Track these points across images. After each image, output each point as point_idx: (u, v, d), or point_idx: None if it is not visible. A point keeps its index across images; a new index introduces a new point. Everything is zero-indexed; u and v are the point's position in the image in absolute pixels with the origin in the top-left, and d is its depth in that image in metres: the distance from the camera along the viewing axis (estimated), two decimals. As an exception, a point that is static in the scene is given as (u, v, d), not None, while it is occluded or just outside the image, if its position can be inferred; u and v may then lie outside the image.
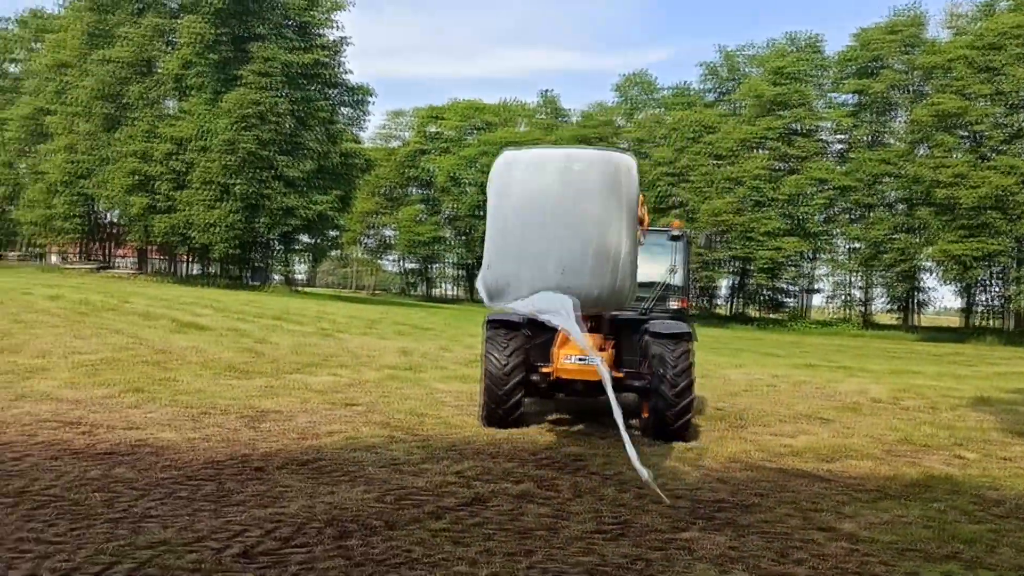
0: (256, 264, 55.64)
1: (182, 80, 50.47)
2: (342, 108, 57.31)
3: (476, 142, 79.63)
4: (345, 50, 55.80)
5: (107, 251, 63.93)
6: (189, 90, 50.51)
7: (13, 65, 67.15)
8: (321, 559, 5.14)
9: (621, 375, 9.74)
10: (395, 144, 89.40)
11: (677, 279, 10.91)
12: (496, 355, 9.63)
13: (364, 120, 60.68)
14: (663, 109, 72.77)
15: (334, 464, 7.68)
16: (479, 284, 7.56)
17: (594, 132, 72.56)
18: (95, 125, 51.34)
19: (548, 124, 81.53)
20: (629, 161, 7.45)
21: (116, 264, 61.50)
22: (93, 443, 7.95)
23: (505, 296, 7.19)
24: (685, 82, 75.78)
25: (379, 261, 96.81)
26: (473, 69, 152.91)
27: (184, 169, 49.15)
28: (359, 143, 60.74)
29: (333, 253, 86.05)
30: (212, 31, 48.91)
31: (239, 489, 6.61)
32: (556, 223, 6.80)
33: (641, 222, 8.35)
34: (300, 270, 78.25)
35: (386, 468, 7.62)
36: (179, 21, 51.06)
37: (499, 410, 9.71)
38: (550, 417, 11.04)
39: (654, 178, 61.63)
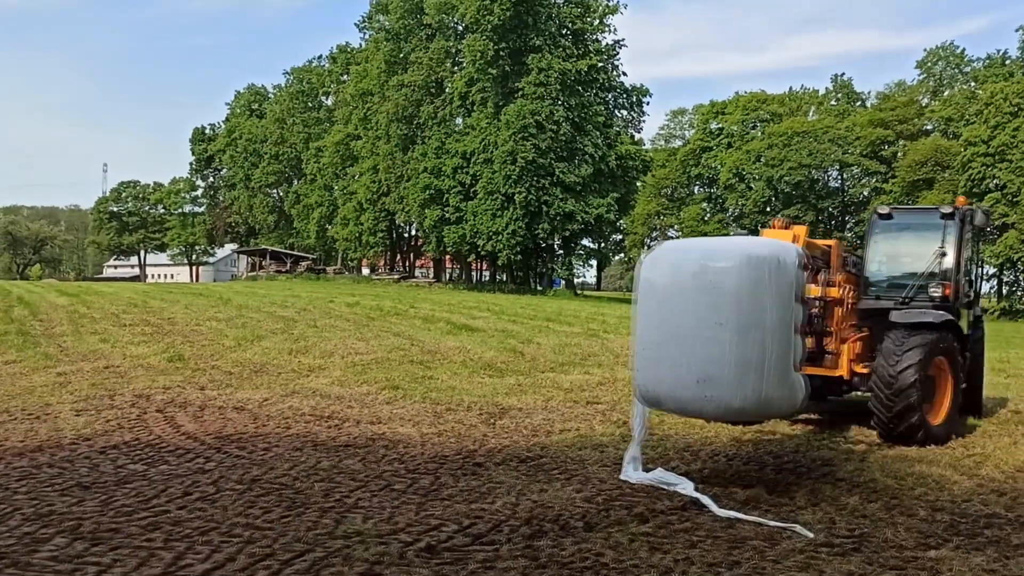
0: (540, 269, 57.41)
1: (467, 97, 53.32)
2: (618, 111, 57.61)
3: (761, 135, 76.54)
4: (619, 53, 56.11)
5: (409, 262, 69.16)
6: (473, 106, 53.25)
7: (327, 97, 74.80)
8: (504, 558, 4.95)
9: (842, 373, 8.99)
10: (676, 144, 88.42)
11: (947, 262, 9.50)
12: None
13: (641, 121, 60.54)
14: (974, 83, 65.46)
15: (555, 462, 7.50)
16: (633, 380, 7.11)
17: (893, 115, 66.93)
18: (393, 146, 55.73)
19: (840, 110, 76.45)
20: (783, 255, 6.44)
21: (417, 274, 66.36)
22: (336, 436, 8.40)
23: (651, 400, 6.79)
24: (1001, 51, 67.59)
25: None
26: (758, 61, 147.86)
27: (470, 181, 51.87)
28: (637, 144, 60.68)
29: (617, 257, 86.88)
30: (492, 47, 51.18)
31: (452, 484, 6.62)
32: (694, 329, 6.29)
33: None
34: (584, 274, 79.73)
35: (608, 468, 7.30)
36: (463, 42, 54.03)
37: None
38: (806, 418, 10.10)
39: (965, 160, 55.60)
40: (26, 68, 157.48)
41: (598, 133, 52.93)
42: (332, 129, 67.04)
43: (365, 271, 71.52)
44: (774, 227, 8.77)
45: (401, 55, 56.55)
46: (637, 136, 61.40)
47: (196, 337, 16.95)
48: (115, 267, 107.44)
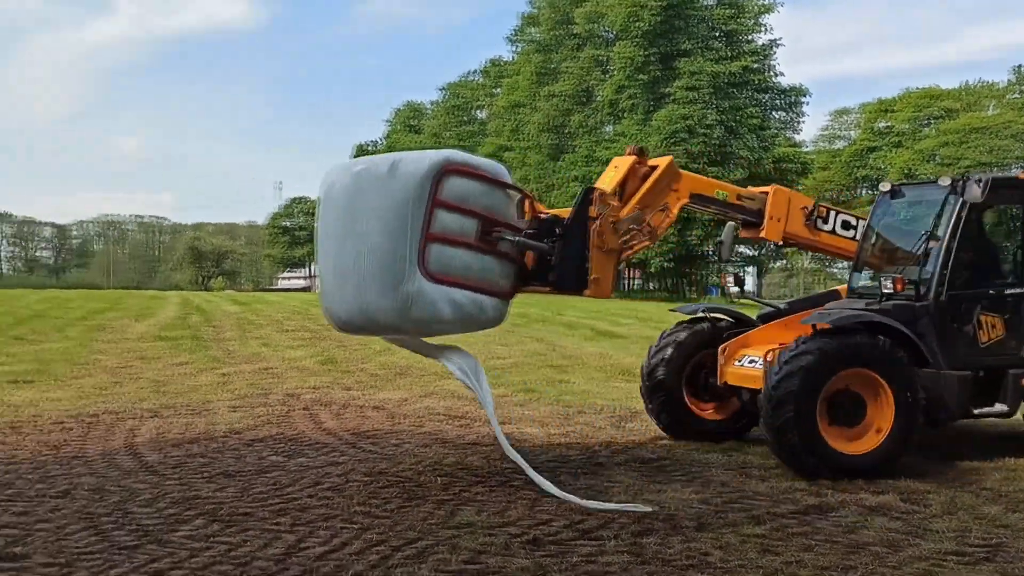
0: (694, 276, 56.41)
1: (616, 104, 53.24)
2: (774, 112, 55.91)
3: (933, 133, 72.20)
4: (775, 53, 54.51)
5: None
6: (623, 113, 53.10)
7: (479, 111, 76.55)
8: (608, 553, 4.97)
9: None
10: (840, 145, 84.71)
11: (933, 248, 7.73)
12: None
13: (799, 123, 58.51)
14: None
15: (679, 465, 7.42)
16: None
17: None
18: (543, 156, 56.35)
19: (1023, 104, 71.11)
20: (403, 163, 6.09)
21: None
22: (464, 435, 8.64)
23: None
24: None
25: (828, 269, 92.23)
26: (930, 56, 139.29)
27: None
28: (795, 146, 58.66)
29: (778, 263, 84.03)
30: (642, 53, 50.91)
31: (569, 482, 6.67)
32: (321, 244, 6.51)
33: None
34: (745, 281, 77.46)
35: (732, 471, 7.15)
36: (612, 49, 54.02)
37: None
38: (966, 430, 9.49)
39: None
40: (213, 96, 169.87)
41: (753, 136, 51.52)
42: (485, 141, 68.49)
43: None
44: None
45: (551, 66, 57.16)
46: (797, 138, 59.43)
47: (348, 341, 17.75)
48: (287, 278, 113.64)
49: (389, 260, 5.88)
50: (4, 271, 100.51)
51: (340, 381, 12.56)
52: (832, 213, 8.56)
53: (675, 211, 7.50)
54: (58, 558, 4.77)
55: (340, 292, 6.20)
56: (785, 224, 8.27)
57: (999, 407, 7.58)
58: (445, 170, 5.97)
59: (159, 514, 5.69)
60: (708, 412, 8.48)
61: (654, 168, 7.44)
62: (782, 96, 55.55)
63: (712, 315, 8.75)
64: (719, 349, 7.98)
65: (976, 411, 7.50)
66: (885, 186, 8.41)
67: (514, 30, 66.12)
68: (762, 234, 8.25)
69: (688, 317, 8.79)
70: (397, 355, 15.63)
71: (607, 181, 7.22)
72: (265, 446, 8.04)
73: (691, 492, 6.39)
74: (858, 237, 8.56)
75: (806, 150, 64.64)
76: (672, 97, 50.17)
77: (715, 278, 56.19)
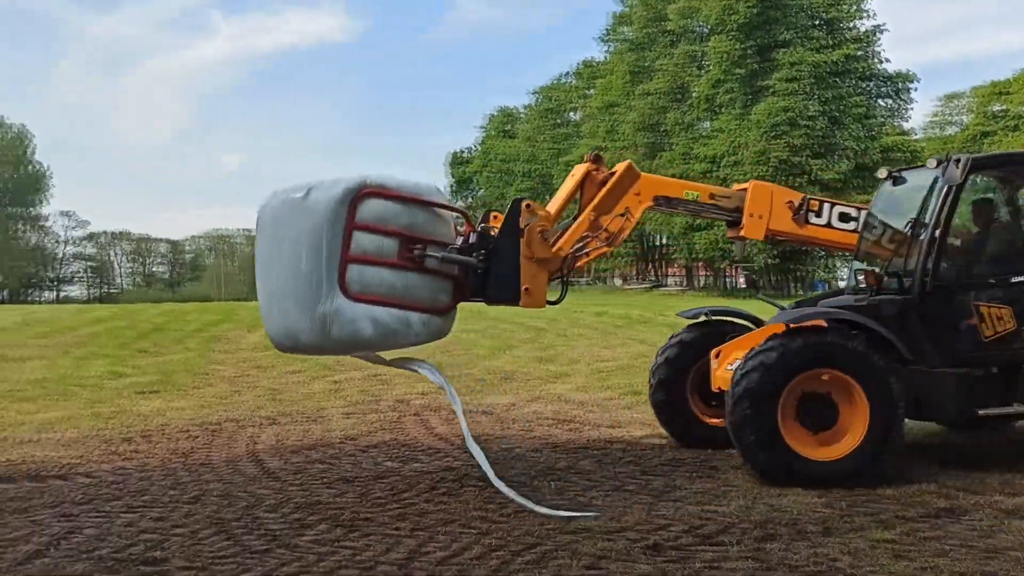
0: (799, 272, 54.96)
1: (713, 99, 52.40)
2: (879, 100, 54.03)
3: (1055, 113, 68.44)
4: (880, 39, 52.70)
5: (659, 270, 68.86)
6: (720, 108, 52.23)
7: (573, 113, 76.52)
8: (731, 559, 4.87)
9: None
10: (951, 131, 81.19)
11: (916, 236, 7.29)
12: None
13: (907, 110, 56.37)
14: None
15: (797, 467, 7.20)
16: None
17: None
18: (639, 155, 55.85)
19: None
20: (317, 190, 6.17)
21: (668, 282, 65.92)
22: (574, 439, 8.62)
23: None
24: None
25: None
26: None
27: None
28: (903, 135, 56.52)
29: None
30: (738, 47, 50.00)
31: (686, 486, 6.59)
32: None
33: None
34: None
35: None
36: (707, 44, 53.20)
37: None
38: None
39: None
40: (309, 110, 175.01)
41: (858, 126, 49.98)
42: (579, 143, 68.38)
43: (618, 281, 72.08)
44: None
45: (645, 64, 56.71)
46: (906, 126, 57.25)
47: (453, 346, 17.97)
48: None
49: (305, 282, 6.08)
50: (125, 286, 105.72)
51: (447, 386, 12.69)
52: (827, 206, 8.08)
53: (637, 215, 7.40)
54: (195, 562, 4.97)
55: (269, 313, 6.49)
56: (768, 221, 7.87)
57: (1017, 407, 6.94)
58: (361, 194, 6.10)
59: (285, 519, 5.87)
60: (714, 418, 7.95)
61: (613, 174, 7.40)
62: (888, 83, 53.72)
63: (718, 317, 8.41)
64: (712, 352, 7.54)
65: (982, 412, 6.85)
66: (883, 173, 7.88)
67: (606, 30, 66.06)
68: (742, 232, 7.90)
69: (691, 321, 8.40)
70: (501, 360, 15.79)
71: (558, 192, 7.40)
72: (380, 452, 8.21)
73: (814, 496, 6.21)
74: (860, 228, 8.07)
75: (915, 138, 62.11)
76: (771, 89, 49.10)
77: (822, 273, 54.60)
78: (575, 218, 7.32)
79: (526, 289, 6.79)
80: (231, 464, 7.75)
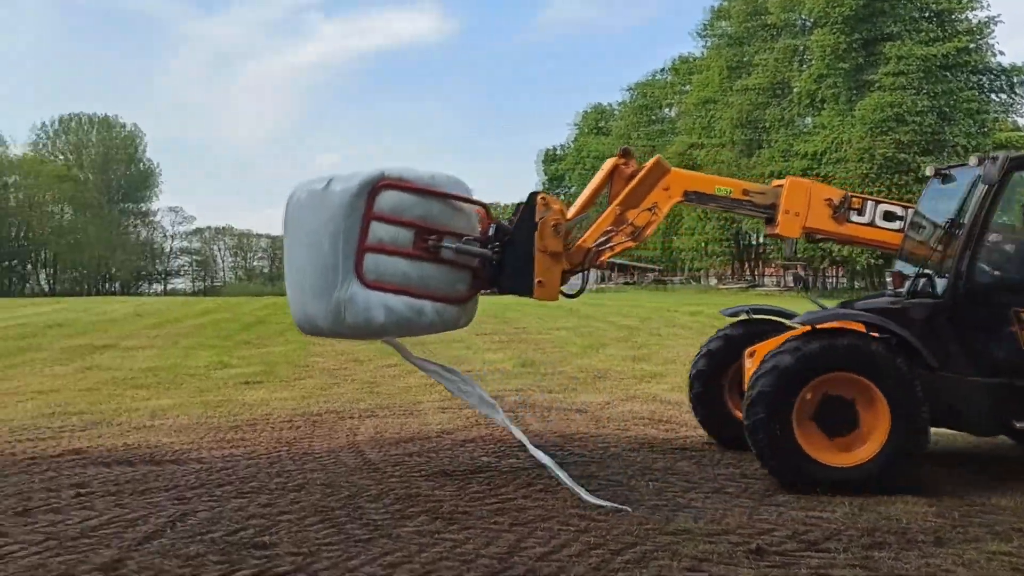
0: (903, 273, 53.08)
1: (815, 95, 51.02)
2: (992, 95, 51.68)
3: None
4: (993, 30, 50.40)
5: (755, 270, 67.46)
6: (822, 103, 50.81)
7: (668, 109, 75.63)
8: (838, 566, 4.74)
9: None
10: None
11: (953, 237, 6.92)
12: None
13: (1022, 105, 53.70)
14: None
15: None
16: None
17: None
18: (736, 153, 54.86)
19: None
20: (336, 182, 6.39)
21: (765, 282, 64.51)
22: (671, 439, 8.53)
23: None
24: None
25: None
26: None
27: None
28: (1018, 130, 53.89)
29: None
30: (843, 40, 48.54)
31: (788, 490, 6.43)
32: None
33: None
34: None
35: (965, 485, 6.64)
36: (810, 37, 51.81)
37: None
38: None
39: None
40: (405, 110, 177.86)
41: (969, 121, 47.93)
42: (674, 140, 67.58)
43: (712, 281, 70.96)
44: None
45: (743, 59, 55.60)
46: (1021, 122, 54.58)
47: (545, 344, 18.05)
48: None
49: (323, 270, 6.31)
50: (227, 279, 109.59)
51: (540, 384, 12.75)
52: (870, 204, 7.73)
53: (665, 210, 7.33)
54: (302, 548, 5.11)
55: (292, 298, 6.74)
56: (805, 218, 7.58)
57: None
58: (379, 186, 6.28)
59: (386, 510, 5.98)
60: None
61: (641, 169, 7.33)
62: (1002, 77, 51.31)
63: (759, 316, 8.18)
64: (746, 352, 7.34)
65: (1020, 425, 6.45)
66: (930, 170, 7.54)
67: (703, 25, 64.98)
68: (776, 230, 7.62)
69: (733, 320, 8.22)
70: (595, 358, 15.74)
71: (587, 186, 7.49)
72: (476, 446, 8.29)
73: (924, 504, 6.00)
74: (905, 227, 7.68)
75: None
76: (877, 84, 47.52)
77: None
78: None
79: (539, 282, 6.87)
80: (333, 454, 7.95)
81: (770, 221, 7.73)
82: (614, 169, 7.45)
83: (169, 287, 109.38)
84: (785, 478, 6.42)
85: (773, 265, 64.55)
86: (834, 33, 48.77)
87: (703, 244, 60.65)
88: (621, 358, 15.39)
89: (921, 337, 6.59)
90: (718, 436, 8.06)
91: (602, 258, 7.19)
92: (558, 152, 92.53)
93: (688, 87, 68.17)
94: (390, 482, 6.81)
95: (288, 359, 15.85)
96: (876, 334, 6.59)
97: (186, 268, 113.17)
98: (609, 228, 7.12)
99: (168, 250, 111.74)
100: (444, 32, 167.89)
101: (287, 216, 6.80)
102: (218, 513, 5.91)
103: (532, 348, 17.41)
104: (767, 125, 53.60)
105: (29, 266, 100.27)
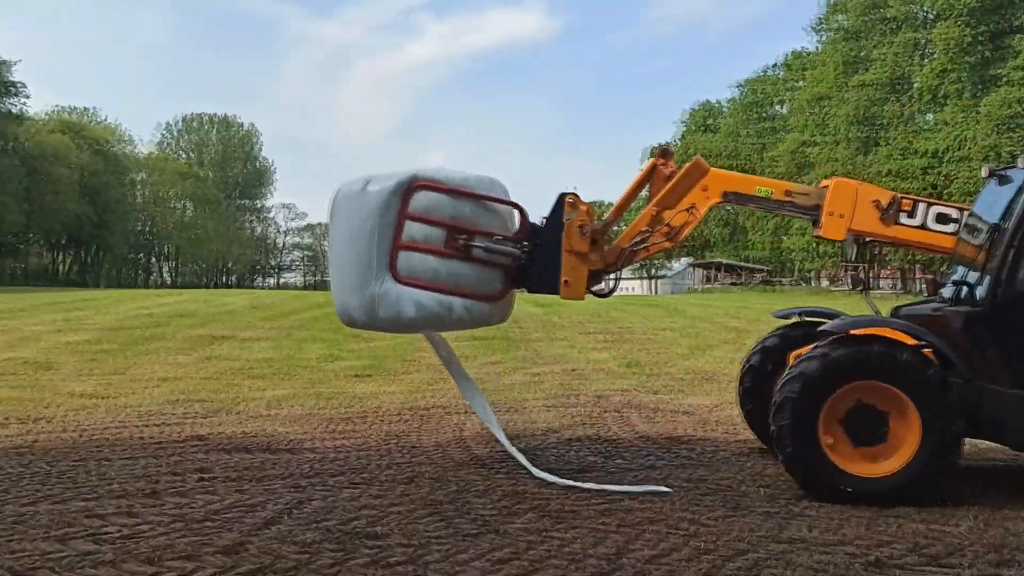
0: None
1: (937, 90, 48.86)
2: None
3: None
4: None
5: (869, 272, 65.08)
6: (945, 99, 48.63)
7: (779, 106, 73.68)
8: (964, 584, 4.53)
9: None
10: None
11: (997, 241, 6.49)
12: None
13: None
14: None
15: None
16: None
17: None
18: (851, 150, 53.03)
19: None
20: (373, 182, 6.76)
21: (881, 284, 62.15)
22: (783, 444, 8.29)
23: None
24: None
25: None
26: None
27: (942, 182, 47.33)
28: None
29: None
30: (967, 33, 46.30)
31: (908, 502, 6.18)
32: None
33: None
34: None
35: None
36: (932, 30, 49.63)
37: None
38: None
39: None
40: (511, 108, 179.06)
41: (1106, 117, 44.99)
42: (786, 137, 65.84)
43: (824, 282, 68.86)
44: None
45: (861, 53, 53.69)
46: None
47: (650, 345, 17.86)
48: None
49: (358, 265, 6.69)
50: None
51: (646, 384, 12.63)
52: (922, 206, 7.36)
53: (703, 210, 7.30)
54: (412, 540, 5.21)
55: (334, 291, 7.09)
56: (850, 220, 7.28)
57: None
58: (412, 186, 6.65)
59: (493, 506, 6.03)
60: None
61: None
62: None
63: (810, 319, 7.89)
64: (790, 356, 7.15)
65: None
66: (985, 171, 7.10)
67: (818, 18, 63.03)
68: (820, 232, 7.36)
69: (784, 322, 8.03)
70: (701, 360, 15.50)
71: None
72: (582, 446, 8.27)
73: (1056, 523, 5.66)
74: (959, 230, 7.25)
75: None
76: (1005, 79, 45.10)
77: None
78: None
79: (565, 281, 7.03)
80: (440, 449, 8.07)
81: (816, 223, 7.57)
82: (653, 169, 7.47)
83: (281, 281, 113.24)
84: (810, 487, 6.27)
85: (889, 267, 62.12)
86: (958, 26, 46.59)
87: (815, 244, 58.89)
88: (728, 360, 15.08)
89: (957, 346, 6.40)
90: (761, 434, 7.91)
91: (637, 258, 7.34)
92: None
93: (801, 83, 66.27)
94: (497, 478, 6.87)
95: (396, 353, 16.17)
96: (912, 342, 6.39)
97: (297, 263, 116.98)
98: (645, 229, 7.19)
99: (281, 245, 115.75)
100: (549, 29, 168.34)
101: (331, 214, 7.15)
102: (332, 502, 6.08)
103: (637, 348, 17.26)
104: (885, 122, 51.60)
105: (153, 259, 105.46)
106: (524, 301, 38.53)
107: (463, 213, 6.76)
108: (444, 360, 8.14)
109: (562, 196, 7.04)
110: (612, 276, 7.38)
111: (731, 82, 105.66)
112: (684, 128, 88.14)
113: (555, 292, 7.07)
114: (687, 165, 7.34)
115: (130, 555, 4.90)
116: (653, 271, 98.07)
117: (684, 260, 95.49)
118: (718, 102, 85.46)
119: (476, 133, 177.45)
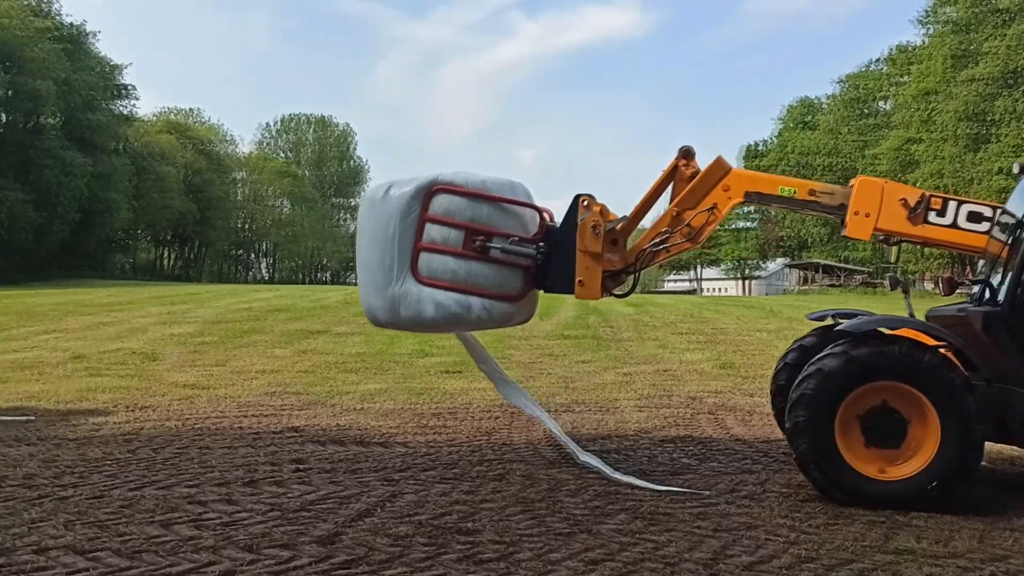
0: None
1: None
2: None
3: None
4: None
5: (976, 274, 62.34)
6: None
7: (883, 102, 71.19)
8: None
9: None
10: None
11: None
12: None
13: None
14: None
15: None
16: None
17: None
18: (960, 148, 50.85)
19: None
20: (397, 186, 6.99)
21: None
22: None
23: None
24: None
25: None
26: None
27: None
28: None
29: None
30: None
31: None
32: None
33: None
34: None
35: None
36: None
37: None
38: None
39: None
40: (603, 105, 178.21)
41: None
42: (889, 135, 63.56)
43: (928, 285, 66.24)
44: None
45: (970, 47, 51.41)
46: None
47: (745, 346, 17.46)
48: (673, 281, 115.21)
49: (381, 266, 6.92)
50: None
51: (741, 387, 12.35)
52: (952, 204, 6.92)
53: (724, 210, 7.12)
54: (504, 537, 5.18)
55: (360, 291, 7.34)
56: (876, 219, 6.90)
57: None
58: (432, 190, 6.84)
59: (585, 505, 5.96)
60: None
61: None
62: None
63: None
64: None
65: None
66: (1016, 167, 6.73)
67: (924, 11, 60.64)
68: (845, 232, 7.04)
69: (818, 324, 7.74)
70: (799, 362, 15.04)
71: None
72: (675, 447, 8.12)
73: None
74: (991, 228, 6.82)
75: None
76: None
77: None
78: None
79: (579, 281, 7.04)
80: (531, 446, 8.04)
81: (842, 223, 7.31)
82: (674, 170, 7.37)
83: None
84: (823, 487, 6.10)
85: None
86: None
87: (919, 246, 56.68)
88: (827, 364, 14.61)
89: (978, 347, 6.20)
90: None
91: (657, 259, 7.28)
92: (760, 148, 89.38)
93: (906, 78, 63.87)
94: (588, 478, 6.79)
95: (486, 351, 16.20)
96: (932, 342, 6.20)
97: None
98: (666, 229, 7.11)
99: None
100: (643, 26, 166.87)
101: (359, 218, 7.47)
102: (424, 496, 6.11)
103: (732, 350, 16.90)
104: (996, 118, 49.22)
105: (252, 255, 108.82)
106: (614, 301, 38.27)
107: (481, 215, 6.92)
108: (477, 359, 8.30)
109: (576, 197, 7.09)
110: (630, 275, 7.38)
111: (831, 78, 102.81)
112: (781, 125, 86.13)
113: (570, 292, 7.11)
114: (709, 164, 7.22)
115: (230, 541, 5.01)
116: (747, 271, 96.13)
117: (780, 260, 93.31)
118: (817, 98, 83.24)
119: (568, 132, 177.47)
